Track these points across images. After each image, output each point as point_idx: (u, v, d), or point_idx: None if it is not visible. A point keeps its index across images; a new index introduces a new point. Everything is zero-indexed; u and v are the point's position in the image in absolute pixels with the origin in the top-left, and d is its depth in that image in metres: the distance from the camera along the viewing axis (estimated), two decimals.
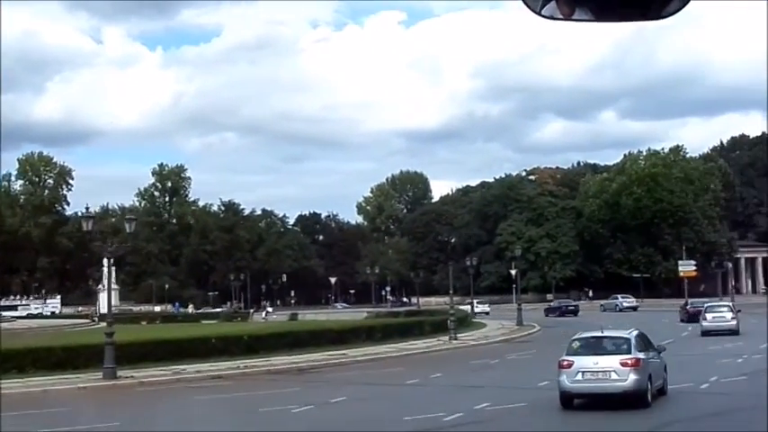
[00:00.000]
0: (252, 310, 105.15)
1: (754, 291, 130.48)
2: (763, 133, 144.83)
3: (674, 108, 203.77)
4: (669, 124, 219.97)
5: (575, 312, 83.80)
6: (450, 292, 53.15)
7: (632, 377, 19.39)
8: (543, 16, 3.79)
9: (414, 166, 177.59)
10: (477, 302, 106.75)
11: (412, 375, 29.53)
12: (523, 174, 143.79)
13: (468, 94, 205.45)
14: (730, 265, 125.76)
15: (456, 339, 44.70)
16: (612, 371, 19.53)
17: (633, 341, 20.49)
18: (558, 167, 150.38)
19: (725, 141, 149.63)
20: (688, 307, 62.04)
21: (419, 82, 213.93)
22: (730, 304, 52.84)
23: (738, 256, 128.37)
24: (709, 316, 46.76)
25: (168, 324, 74.60)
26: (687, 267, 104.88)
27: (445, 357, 38.45)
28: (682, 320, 59.57)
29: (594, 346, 20.73)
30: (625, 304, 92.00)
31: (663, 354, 22.50)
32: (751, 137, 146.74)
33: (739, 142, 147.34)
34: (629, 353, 19.90)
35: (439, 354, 40.05)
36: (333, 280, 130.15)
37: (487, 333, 51.50)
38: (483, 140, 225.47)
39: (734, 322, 45.56)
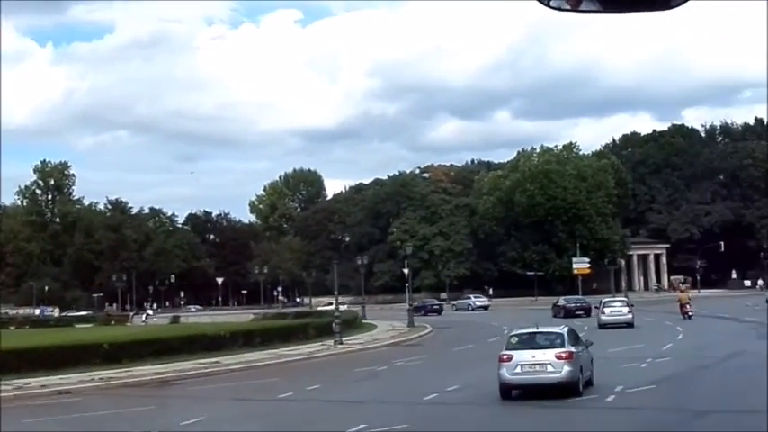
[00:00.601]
0: (132, 313, 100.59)
1: (647, 288, 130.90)
2: (654, 131, 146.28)
3: (566, 109, 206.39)
4: (562, 124, 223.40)
5: (438, 311, 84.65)
6: (336, 292, 50.01)
7: (566, 369, 20.85)
8: (551, 7, 3.91)
9: (310, 165, 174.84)
10: (475, 297, 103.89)
11: (287, 387, 26.50)
12: (417, 171, 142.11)
13: (365, 94, 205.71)
14: (623, 262, 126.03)
15: (341, 344, 41.58)
16: (548, 363, 20.94)
17: (566, 336, 22.03)
18: (452, 165, 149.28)
19: (617, 139, 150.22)
20: (563, 304, 66.65)
21: (316, 81, 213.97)
22: (626, 299, 57.17)
23: (631, 253, 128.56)
24: (606, 310, 50.18)
25: (40, 329, 69.72)
26: (581, 264, 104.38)
27: (328, 364, 35.43)
28: (555, 316, 61.60)
29: (531, 341, 22.08)
30: (477, 303, 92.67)
31: (590, 348, 23.55)
32: (642, 134, 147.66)
33: (631, 140, 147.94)
34: (563, 347, 21.34)
35: (322, 360, 37.06)
36: (220, 280, 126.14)
37: (377, 336, 48.66)
38: (379, 140, 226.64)
39: (629, 316, 49.32)
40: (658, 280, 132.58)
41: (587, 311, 61.80)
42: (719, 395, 21.29)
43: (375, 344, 43.79)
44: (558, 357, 20.99)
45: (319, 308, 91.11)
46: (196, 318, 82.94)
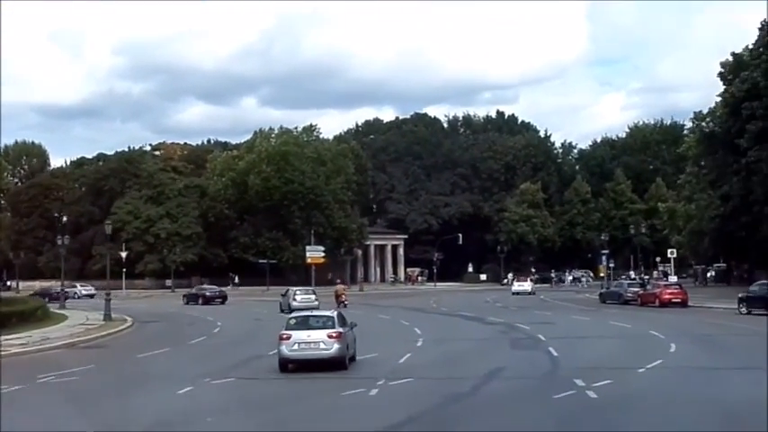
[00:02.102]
0: None
1: (383, 279, 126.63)
2: (397, 118, 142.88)
3: (314, 99, 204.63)
4: (309, 114, 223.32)
5: (223, 300, 72.04)
6: (3, 272, 40.06)
7: (336, 346, 23.94)
8: None
9: (48, 142, 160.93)
10: (81, 286, 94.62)
11: None
12: (148, 148, 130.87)
13: (110, 72, 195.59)
14: (360, 252, 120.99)
15: None
16: (321, 341, 23.93)
17: (336, 319, 25.03)
18: (186, 143, 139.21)
19: (360, 124, 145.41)
20: (199, 292, 73.14)
21: (58, 56, 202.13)
22: (312, 289, 63.63)
23: (369, 243, 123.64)
24: (298, 298, 55.69)
25: None
26: (315, 253, 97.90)
27: None
28: (188, 303, 68.30)
29: (307, 323, 25.11)
30: (84, 292, 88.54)
31: (354, 329, 26.22)
32: (385, 121, 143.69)
33: (373, 126, 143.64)
34: (334, 327, 24.40)
35: None
36: None
37: (56, 332, 39.06)
38: (122, 119, 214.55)
39: (316, 303, 53.27)
40: (395, 272, 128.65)
41: (224, 299, 71.24)
42: None
43: (44, 344, 34.23)
44: (330, 337, 24.02)
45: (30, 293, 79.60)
46: None
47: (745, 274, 79.88)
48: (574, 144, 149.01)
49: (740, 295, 46.29)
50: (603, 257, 74.98)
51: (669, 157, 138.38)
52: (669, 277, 67.99)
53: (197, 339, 36.15)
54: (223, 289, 78.92)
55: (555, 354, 26.52)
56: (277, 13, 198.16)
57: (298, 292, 57.70)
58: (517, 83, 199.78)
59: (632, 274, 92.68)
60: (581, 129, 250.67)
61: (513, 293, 78.95)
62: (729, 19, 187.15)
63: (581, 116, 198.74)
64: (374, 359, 26.74)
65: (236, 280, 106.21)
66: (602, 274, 75.92)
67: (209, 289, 76.71)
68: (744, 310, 45.02)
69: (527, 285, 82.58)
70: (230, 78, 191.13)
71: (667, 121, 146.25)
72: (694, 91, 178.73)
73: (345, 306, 56.61)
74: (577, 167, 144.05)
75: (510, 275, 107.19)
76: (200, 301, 70.09)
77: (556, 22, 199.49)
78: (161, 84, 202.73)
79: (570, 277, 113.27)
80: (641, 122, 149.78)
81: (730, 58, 71.38)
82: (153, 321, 49.31)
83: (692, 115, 76.59)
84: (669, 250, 66.88)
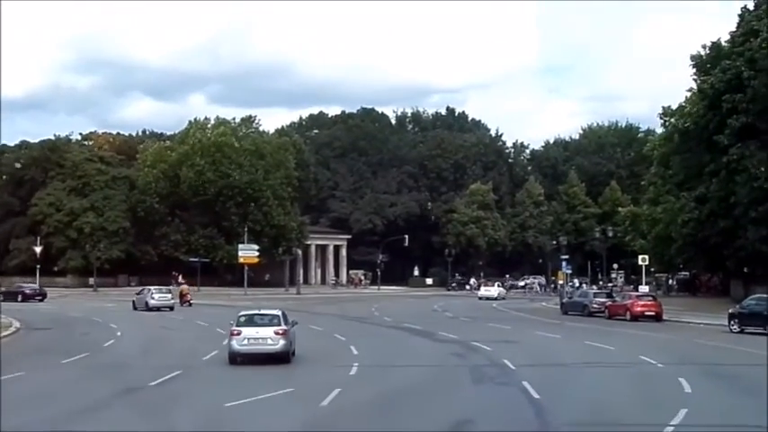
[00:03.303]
0: None
1: (324, 281, 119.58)
2: (343, 112, 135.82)
3: (262, 97, 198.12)
4: (257, 113, 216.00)
5: (42, 298, 72.79)
6: None
7: (281, 342, 26.30)
8: None
9: None
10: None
11: None
12: (78, 137, 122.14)
13: (56, 65, 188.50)
14: (300, 252, 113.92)
15: None
16: (269, 338, 26.27)
17: (281, 317, 27.38)
18: (119, 133, 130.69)
19: (304, 118, 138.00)
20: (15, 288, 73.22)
21: (3, 48, 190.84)
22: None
23: (309, 242, 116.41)
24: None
25: None
26: (248, 253, 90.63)
27: None
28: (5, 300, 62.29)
29: (255, 320, 27.21)
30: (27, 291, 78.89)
31: (295, 327, 28.37)
32: (330, 115, 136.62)
33: (318, 120, 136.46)
34: (280, 325, 26.83)
35: None
36: None
37: None
38: (66, 113, 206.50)
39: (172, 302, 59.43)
40: (337, 274, 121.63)
41: (43, 297, 71.69)
42: None
43: None
44: (277, 333, 26.34)
45: None
46: None
47: (717, 284, 74.24)
48: (526, 144, 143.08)
49: (731, 311, 39.97)
50: (564, 263, 68.65)
51: (624, 160, 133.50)
52: (640, 287, 61.70)
53: (75, 357, 28.83)
54: (43, 288, 77.85)
55: (534, 394, 19.54)
56: (227, 11, 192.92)
57: (154, 291, 59.85)
58: (466, 86, 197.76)
59: (579, 282, 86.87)
60: (530, 134, 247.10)
61: (480, 299, 78.42)
62: (675, 30, 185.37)
63: (530, 122, 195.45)
64: (287, 398, 19.68)
65: (180, 279, 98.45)
66: (560, 281, 69.61)
67: (29, 286, 77.09)
68: (735, 327, 38.79)
69: (494, 291, 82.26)
70: (178, 75, 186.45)
71: (622, 124, 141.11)
72: (640, 101, 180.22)
73: (190, 305, 61.75)
74: (529, 168, 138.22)
75: (473, 281, 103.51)
76: (19, 299, 68.84)
77: (505, 28, 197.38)
78: (107, 78, 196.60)
79: (522, 283, 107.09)
80: (595, 124, 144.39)
81: (702, 51, 65.63)
82: (44, 328, 41.93)
83: (660, 111, 70.47)
84: (641, 257, 60.58)
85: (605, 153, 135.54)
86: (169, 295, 59.91)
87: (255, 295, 75.28)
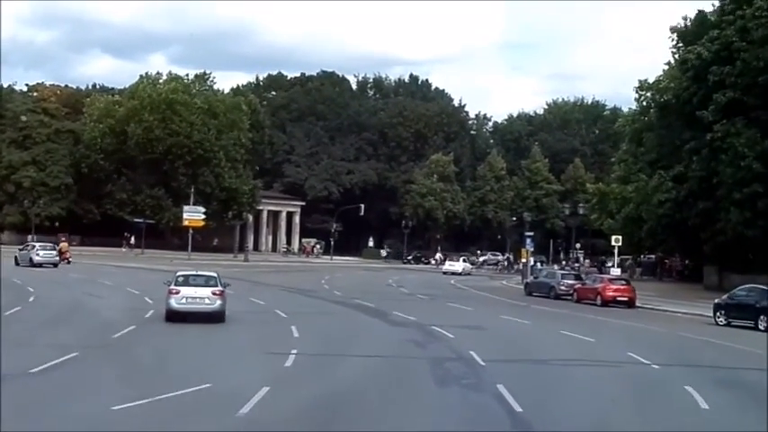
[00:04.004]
0: None
1: (275, 249, 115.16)
2: (303, 74, 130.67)
3: (223, 60, 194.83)
4: (216, 75, 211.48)
5: None
6: None
7: (218, 302, 27.66)
8: None
9: None
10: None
11: None
12: (23, 89, 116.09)
13: (14, 18, 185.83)
14: (251, 217, 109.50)
15: None
16: (206, 297, 27.56)
17: (218, 278, 28.71)
18: (67, 86, 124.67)
19: (261, 78, 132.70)
20: None
21: None
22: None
23: (261, 207, 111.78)
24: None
25: None
26: (193, 215, 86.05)
27: None
28: None
29: (193, 281, 28.30)
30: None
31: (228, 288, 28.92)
32: (289, 77, 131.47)
33: (276, 81, 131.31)
34: (217, 286, 28.11)
35: None
36: None
37: None
38: (24, 68, 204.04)
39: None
40: (289, 242, 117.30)
41: None
42: None
43: None
44: (214, 294, 27.63)
45: None
46: None
47: (683, 269, 70.81)
48: (489, 116, 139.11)
49: (717, 301, 36.21)
50: (527, 240, 64.74)
51: (589, 137, 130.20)
52: (611, 270, 57.87)
53: None
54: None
55: (515, 406, 15.28)
56: None
57: (39, 248, 60.87)
58: (430, 60, 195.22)
59: (535, 260, 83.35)
60: (493, 110, 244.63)
61: (444, 273, 77.23)
62: (642, 10, 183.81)
63: (493, 98, 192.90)
64: (197, 400, 15.29)
65: (132, 241, 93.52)
66: (523, 259, 65.79)
67: None
68: (722, 320, 35.06)
69: (458, 266, 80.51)
70: (141, 33, 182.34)
71: (588, 101, 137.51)
72: (604, 80, 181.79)
73: (69, 263, 62.01)
74: (492, 141, 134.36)
75: (438, 255, 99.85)
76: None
77: (471, 3, 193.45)
78: (66, 34, 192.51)
79: (481, 259, 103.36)
80: (561, 100, 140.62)
81: (681, 22, 61.81)
82: None
83: (636, 84, 66.55)
84: (613, 238, 56.71)
85: (570, 129, 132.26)
86: (54, 252, 60.75)
87: (199, 261, 70.61)
